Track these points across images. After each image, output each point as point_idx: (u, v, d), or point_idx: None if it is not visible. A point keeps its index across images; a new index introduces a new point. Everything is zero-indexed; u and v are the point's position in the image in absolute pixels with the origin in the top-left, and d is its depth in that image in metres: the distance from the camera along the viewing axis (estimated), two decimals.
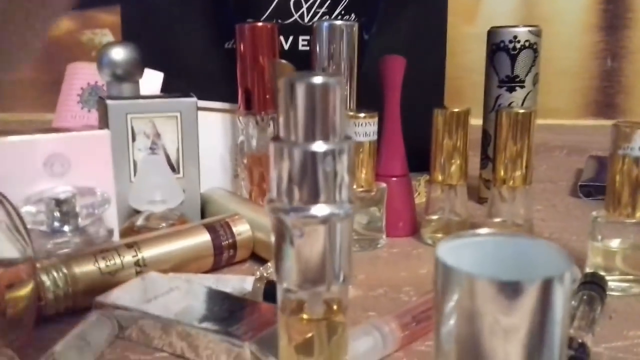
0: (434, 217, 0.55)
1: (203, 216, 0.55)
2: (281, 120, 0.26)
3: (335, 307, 0.28)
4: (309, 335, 0.28)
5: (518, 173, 0.51)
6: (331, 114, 0.25)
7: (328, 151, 0.25)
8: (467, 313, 0.19)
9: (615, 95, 1.18)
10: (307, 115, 0.25)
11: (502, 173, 0.51)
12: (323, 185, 0.25)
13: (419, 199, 0.63)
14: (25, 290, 0.36)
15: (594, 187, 0.68)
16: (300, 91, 0.24)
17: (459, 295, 0.19)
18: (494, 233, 0.22)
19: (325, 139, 0.25)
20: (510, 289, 0.18)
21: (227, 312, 0.36)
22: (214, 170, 0.60)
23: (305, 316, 0.28)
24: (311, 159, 0.25)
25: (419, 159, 0.59)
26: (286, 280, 0.27)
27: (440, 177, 0.54)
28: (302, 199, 0.25)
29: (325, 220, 0.26)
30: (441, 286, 0.20)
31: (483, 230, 0.21)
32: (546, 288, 0.18)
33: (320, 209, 0.25)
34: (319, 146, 0.25)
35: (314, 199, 0.25)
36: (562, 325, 0.20)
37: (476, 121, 0.60)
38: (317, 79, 0.24)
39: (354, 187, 0.52)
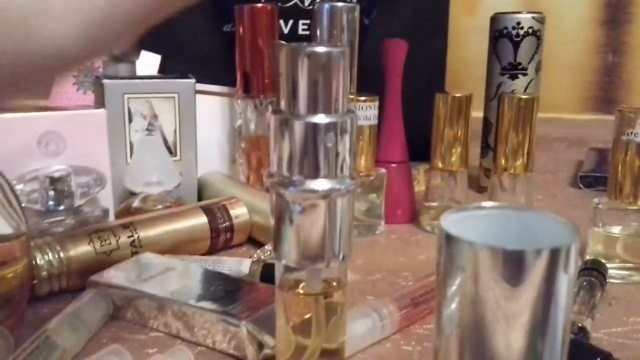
0: (434, 204, 0.54)
1: (200, 200, 0.55)
2: (282, 91, 0.25)
3: (334, 284, 0.28)
4: (308, 316, 0.28)
5: (519, 159, 0.50)
6: (334, 86, 0.24)
7: (330, 124, 0.25)
8: (471, 284, 0.19)
9: (615, 90, 1.18)
10: (310, 86, 0.24)
11: (503, 160, 0.51)
12: (324, 159, 0.25)
13: (418, 188, 0.62)
14: (18, 268, 0.35)
15: (594, 178, 0.67)
16: (303, 60, 0.24)
17: (463, 265, 0.19)
18: (500, 206, 0.21)
19: (328, 112, 0.25)
20: (516, 259, 0.18)
21: (223, 292, 0.35)
22: (212, 155, 0.60)
23: (302, 291, 0.27)
24: (312, 132, 0.25)
25: (419, 148, 0.58)
26: (285, 257, 0.26)
27: (440, 164, 0.53)
28: (302, 174, 0.25)
29: (326, 196, 0.25)
30: (444, 257, 0.19)
31: (488, 203, 0.21)
32: (553, 259, 0.18)
33: (320, 184, 0.25)
34: (320, 119, 0.25)
35: (315, 173, 0.25)
36: (567, 305, 0.19)
37: (477, 114, 0.59)
38: (321, 48, 0.24)
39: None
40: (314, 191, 0.25)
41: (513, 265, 0.18)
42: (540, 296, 0.18)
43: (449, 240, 0.19)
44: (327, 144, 0.25)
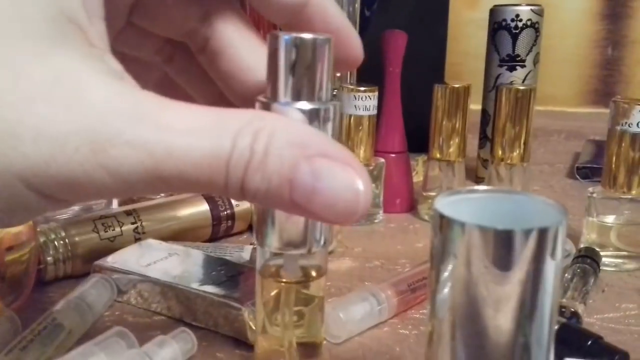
0: (432, 194, 0.55)
1: None
2: (267, 78, 0.25)
3: (313, 273, 0.27)
4: (275, 300, 0.27)
5: (516, 149, 0.51)
6: (319, 74, 0.24)
7: (313, 111, 0.25)
8: (462, 263, 0.19)
9: (615, 84, 1.18)
10: (293, 73, 0.24)
11: (500, 151, 0.52)
12: None
13: (417, 179, 0.63)
14: (25, 252, 0.36)
15: (591, 169, 0.68)
16: (287, 46, 0.24)
17: (455, 244, 0.19)
18: (492, 189, 0.22)
19: (311, 99, 0.25)
20: (505, 239, 0.19)
21: (225, 277, 0.36)
22: None
23: (282, 279, 0.27)
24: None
25: (418, 139, 0.59)
26: (266, 244, 0.26)
27: (438, 155, 0.54)
28: None
29: None
30: (437, 238, 0.20)
31: (481, 187, 0.22)
32: (541, 239, 0.19)
33: None
34: (303, 105, 0.25)
35: None
36: (555, 285, 0.20)
37: (475, 106, 0.60)
38: (306, 35, 0.24)
39: None
40: None
41: (503, 244, 0.19)
42: (528, 276, 0.19)
43: (443, 220, 0.20)
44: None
